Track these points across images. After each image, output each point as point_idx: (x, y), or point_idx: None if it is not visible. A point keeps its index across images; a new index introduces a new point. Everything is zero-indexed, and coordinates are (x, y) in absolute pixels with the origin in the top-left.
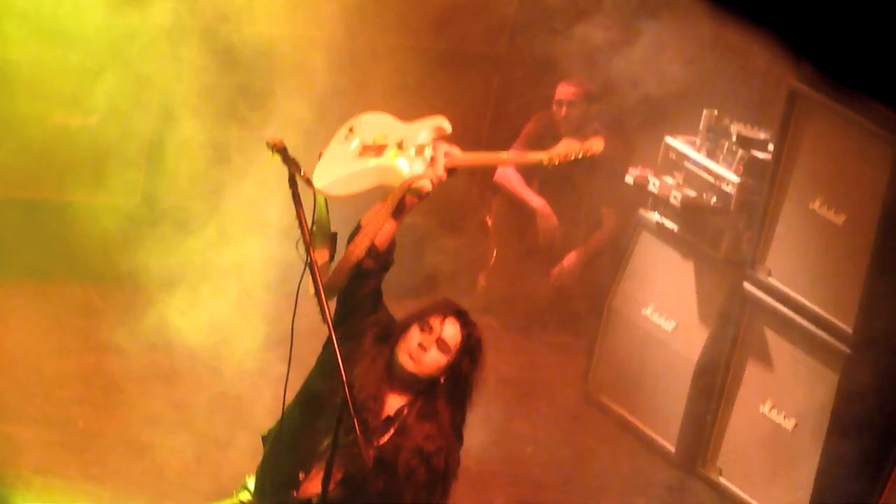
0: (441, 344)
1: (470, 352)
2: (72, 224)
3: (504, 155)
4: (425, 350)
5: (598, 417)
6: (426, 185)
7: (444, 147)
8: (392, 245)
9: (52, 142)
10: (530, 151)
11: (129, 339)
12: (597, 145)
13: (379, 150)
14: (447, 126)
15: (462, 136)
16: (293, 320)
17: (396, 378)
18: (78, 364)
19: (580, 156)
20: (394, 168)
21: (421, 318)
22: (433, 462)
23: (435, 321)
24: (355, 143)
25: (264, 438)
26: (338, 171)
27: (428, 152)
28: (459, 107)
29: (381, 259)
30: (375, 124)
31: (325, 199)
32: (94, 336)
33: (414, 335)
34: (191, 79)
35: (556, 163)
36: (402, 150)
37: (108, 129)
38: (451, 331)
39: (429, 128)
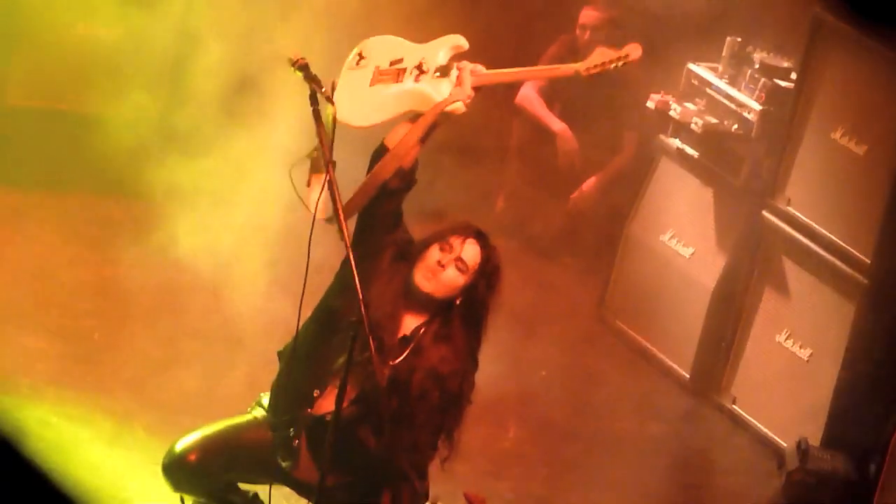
0: (460, 263)
1: (487, 275)
2: (91, 136)
3: (533, 70)
4: (443, 268)
5: (613, 342)
6: (460, 107)
7: (469, 65)
8: (416, 164)
9: (73, 53)
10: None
11: (147, 252)
12: (634, 52)
13: (397, 74)
14: (464, 43)
15: (484, 59)
16: (310, 237)
17: (413, 298)
18: (94, 276)
19: (619, 64)
20: (420, 93)
21: (441, 237)
22: (448, 385)
23: (455, 241)
24: (369, 69)
25: (280, 354)
26: (357, 101)
27: (454, 73)
28: (482, 31)
29: (406, 178)
30: (387, 47)
31: (334, 121)
32: (112, 248)
33: (433, 254)
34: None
35: (593, 73)
36: (423, 72)
37: (130, 43)
38: (470, 251)
39: (446, 47)
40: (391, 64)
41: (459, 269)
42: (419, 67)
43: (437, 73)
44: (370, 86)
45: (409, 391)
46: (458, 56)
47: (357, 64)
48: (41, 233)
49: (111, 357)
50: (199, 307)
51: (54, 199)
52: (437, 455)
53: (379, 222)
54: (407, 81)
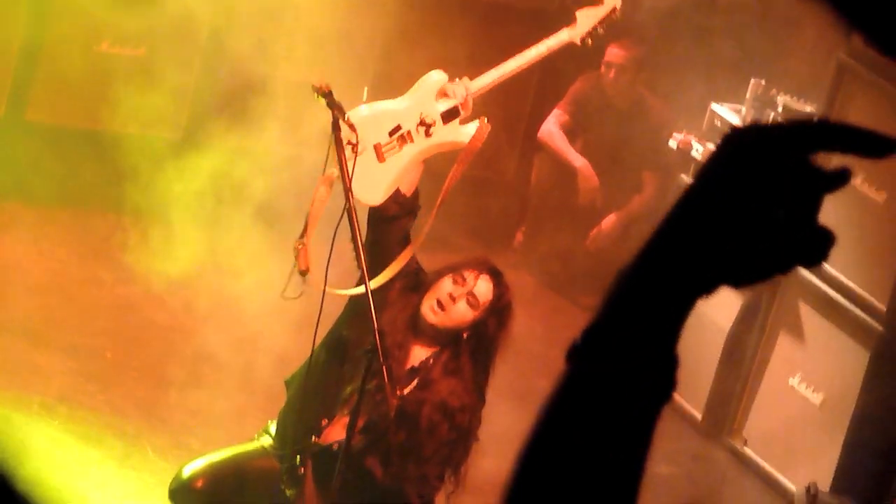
0: (471, 298)
1: (498, 313)
2: (110, 154)
3: (523, 57)
4: (454, 301)
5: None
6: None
7: (461, 89)
8: (417, 191)
9: (96, 71)
10: (575, 111)
11: (162, 272)
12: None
13: (402, 140)
14: (444, 76)
15: (507, 93)
16: (327, 266)
17: (420, 329)
18: (109, 294)
19: (609, 20)
20: (445, 144)
21: (455, 270)
22: (457, 419)
23: (469, 275)
24: (369, 150)
25: (287, 383)
26: (375, 181)
27: (454, 103)
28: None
29: (406, 205)
30: (373, 121)
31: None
32: (127, 267)
33: (445, 285)
34: (237, 18)
35: (588, 38)
36: (430, 125)
37: (153, 61)
38: (483, 287)
39: (434, 90)
40: (390, 135)
41: (470, 304)
42: (423, 123)
43: (442, 122)
44: (380, 162)
45: (417, 424)
46: (444, 88)
47: (353, 151)
48: (56, 249)
49: (123, 376)
50: (213, 329)
51: (70, 217)
52: (444, 488)
53: (388, 251)
54: (419, 141)
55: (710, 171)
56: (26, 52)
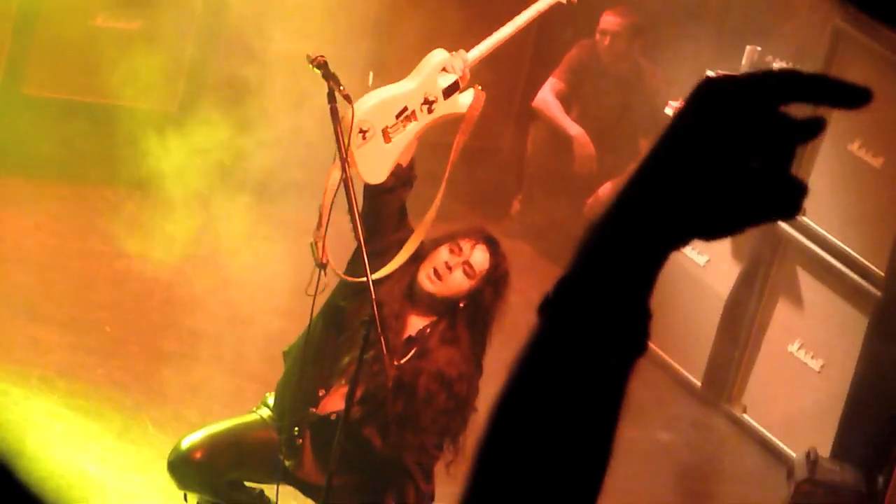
0: (467, 267)
1: (495, 282)
2: (106, 128)
3: (511, 24)
4: (451, 271)
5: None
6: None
7: (459, 62)
8: (413, 162)
9: (91, 44)
10: (570, 79)
11: (160, 245)
12: None
13: (407, 119)
14: (444, 55)
15: (503, 62)
16: (324, 237)
17: (416, 298)
18: (107, 268)
19: None
20: (446, 116)
21: (452, 239)
22: (455, 388)
23: (465, 244)
24: (377, 136)
25: (285, 354)
26: (380, 161)
27: (454, 78)
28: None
29: (402, 175)
30: (383, 108)
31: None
32: (125, 241)
33: (442, 254)
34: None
35: (574, 0)
36: (433, 102)
37: (148, 35)
38: (479, 256)
39: (438, 69)
40: (397, 117)
41: (466, 274)
42: (427, 101)
43: (444, 97)
44: (386, 143)
45: (415, 393)
46: (446, 61)
47: (364, 139)
48: (54, 224)
49: (122, 350)
50: (212, 302)
51: (68, 190)
52: (443, 458)
53: (383, 222)
54: (422, 118)
55: (682, 121)
56: (22, 26)
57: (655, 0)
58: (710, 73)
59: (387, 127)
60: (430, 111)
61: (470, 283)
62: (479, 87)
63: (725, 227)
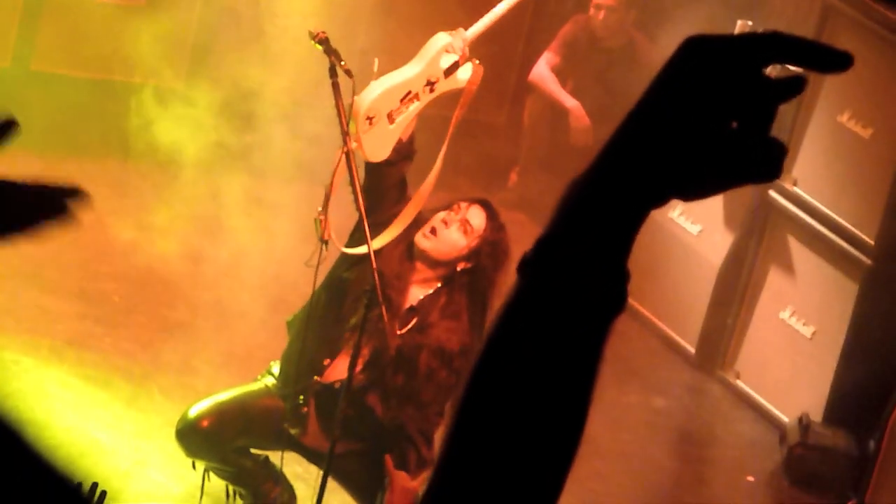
0: (465, 224)
1: (492, 244)
2: (113, 103)
3: (504, 2)
4: (447, 226)
5: (621, 316)
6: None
7: (459, 41)
8: (413, 136)
9: (97, 22)
10: (565, 52)
11: (166, 218)
12: None
13: (411, 100)
14: (446, 38)
15: (500, 37)
16: (326, 207)
17: (415, 258)
18: (115, 240)
19: None
20: (445, 93)
21: (449, 205)
22: (455, 364)
23: (462, 204)
24: (383, 121)
25: (289, 324)
26: (385, 140)
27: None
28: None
29: (402, 150)
30: (388, 95)
31: (352, 95)
32: (132, 214)
33: (439, 214)
34: None
35: None
36: (434, 82)
37: (155, 13)
38: (475, 214)
39: (439, 55)
40: (401, 101)
41: (464, 231)
42: (429, 83)
43: (445, 76)
44: (390, 125)
45: (416, 369)
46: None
47: (370, 125)
48: None
49: (130, 320)
50: (217, 273)
51: (76, 165)
52: (443, 424)
53: (384, 194)
54: (424, 97)
55: (665, 79)
56: (30, 5)
57: None
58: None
59: (391, 111)
60: (431, 91)
61: (466, 240)
62: (477, 62)
63: (705, 187)
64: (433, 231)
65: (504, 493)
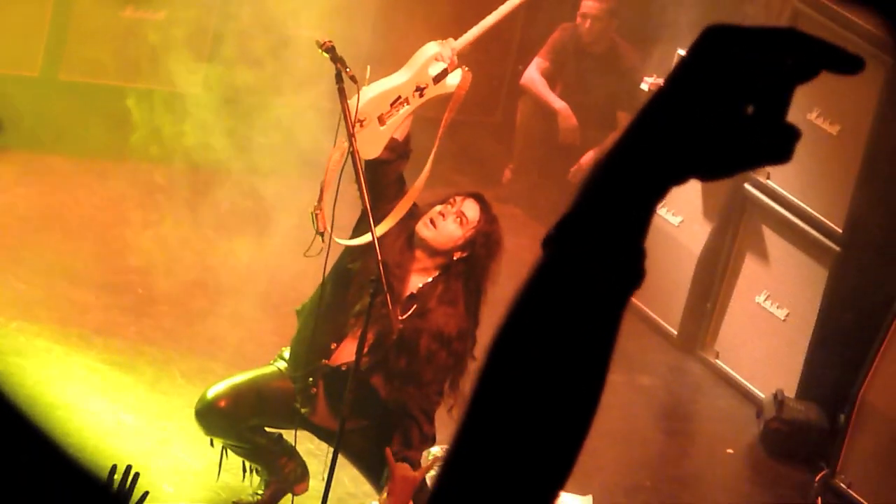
0: (460, 216)
1: (486, 235)
2: (135, 109)
3: (496, 13)
4: (444, 218)
5: None
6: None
7: (448, 50)
8: (409, 136)
9: (122, 33)
10: (554, 58)
11: (186, 215)
12: None
13: (401, 105)
14: (436, 48)
15: (495, 44)
16: (334, 205)
17: (415, 247)
18: (138, 236)
19: None
20: (435, 98)
21: (445, 198)
22: (454, 346)
23: (458, 198)
24: (374, 123)
25: (298, 313)
26: (377, 141)
27: (443, 66)
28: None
29: (398, 149)
30: (378, 99)
31: (357, 99)
32: (154, 211)
33: (437, 207)
34: None
35: None
36: (424, 88)
37: (173, 24)
38: (470, 207)
39: (428, 62)
40: (391, 105)
41: (459, 223)
42: (418, 89)
43: (440, 80)
44: (381, 126)
45: (417, 353)
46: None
47: (361, 126)
48: (90, 197)
49: (153, 309)
50: (233, 265)
51: (101, 167)
52: (444, 403)
53: (383, 190)
54: (414, 102)
55: (687, 65)
56: (58, 18)
57: None
58: (681, 53)
59: (382, 114)
60: (420, 95)
61: (462, 231)
62: (466, 69)
63: (722, 168)
64: (432, 222)
65: (519, 466)
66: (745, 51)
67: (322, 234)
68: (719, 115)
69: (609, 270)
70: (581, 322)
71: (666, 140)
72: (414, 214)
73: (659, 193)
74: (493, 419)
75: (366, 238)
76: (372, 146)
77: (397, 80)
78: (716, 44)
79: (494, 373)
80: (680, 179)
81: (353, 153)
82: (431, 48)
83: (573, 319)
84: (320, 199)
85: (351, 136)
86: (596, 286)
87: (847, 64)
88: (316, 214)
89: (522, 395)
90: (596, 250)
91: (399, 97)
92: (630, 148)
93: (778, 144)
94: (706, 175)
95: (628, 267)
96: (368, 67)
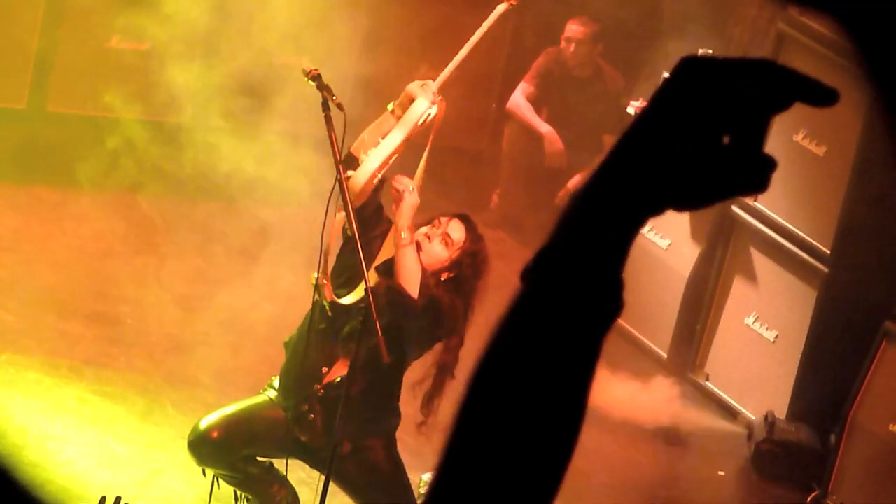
0: (446, 237)
1: (472, 255)
2: (123, 140)
3: (468, 45)
4: (430, 240)
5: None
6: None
7: (430, 94)
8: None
9: (107, 64)
10: (539, 82)
11: (174, 244)
12: None
13: (393, 155)
14: (426, 103)
15: (481, 69)
16: (322, 232)
17: None
18: (127, 266)
19: None
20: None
21: (430, 220)
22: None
23: (442, 219)
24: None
25: (286, 344)
26: (364, 185)
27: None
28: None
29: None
30: (379, 167)
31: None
32: (144, 241)
33: (422, 229)
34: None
35: (513, 2)
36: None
37: (158, 55)
38: (456, 228)
39: (419, 118)
40: (384, 161)
41: (445, 244)
42: (408, 139)
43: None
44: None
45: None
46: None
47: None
48: (78, 228)
49: (143, 340)
50: (222, 296)
51: (89, 198)
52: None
53: (365, 220)
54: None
55: (661, 97)
56: (44, 50)
57: (615, 9)
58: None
59: (376, 173)
60: (407, 141)
61: (449, 253)
62: (440, 98)
63: (699, 199)
64: (418, 246)
65: (502, 491)
66: (721, 82)
67: (330, 305)
68: (696, 145)
69: (588, 301)
70: (560, 353)
71: (643, 171)
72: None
73: (637, 224)
74: (474, 448)
75: (358, 293)
76: (363, 198)
77: (394, 142)
78: (693, 75)
79: (476, 402)
80: (657, 210)
81: (341, 181)
82: (422, 105)
83: (552, 350)
84: (325, 270)
85: (338, 163)
86: (575, 317)
87: (822, 97)
88: (321, 285)
89: (503, 424)
90: (574, 281)
91: (393, 153)
92: (607, 179)
93: (754, 174)
94: (683, 205)
95: (607, 298)
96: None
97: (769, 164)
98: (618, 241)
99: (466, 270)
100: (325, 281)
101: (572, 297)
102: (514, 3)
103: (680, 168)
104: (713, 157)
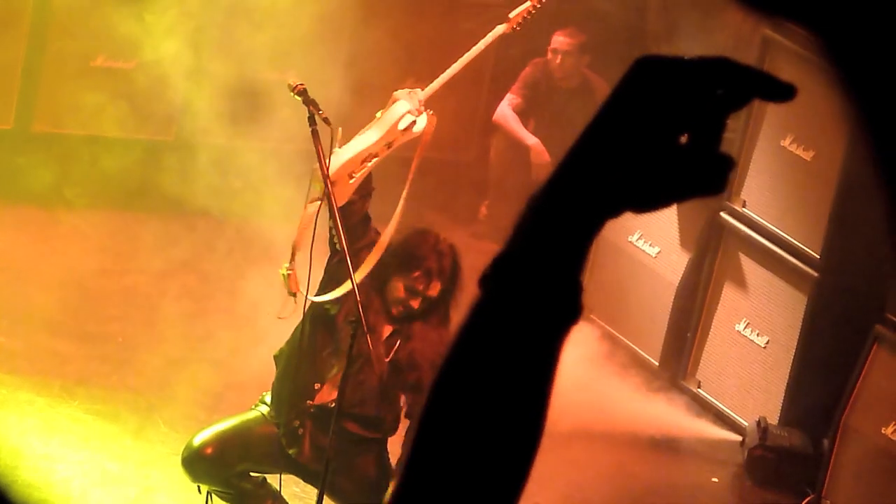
0: (423, 293)
1: (452, 282)
2: (110, 158)
3: (462, 60)
4: (408, 302)
5: (590, 335)
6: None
7: (416, 102)
8: (370, 176)
9: (93, 83)
10: (526, 94)
11: (164, 262)
12: None
13: (371, 157)
14: (406, 106)
15: (467, 81)
16: (311, 245)
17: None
18: (117, 285)
19: (534, 10)
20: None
21: (406, 272)
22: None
23: (420, 285)
24: (344, 179)
25: (276, 358)
26: (346, 193)
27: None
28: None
29: (360, 189)
30: (350, 162)
31: (331, 140)
32: (132, 259)
33: (397, 288)
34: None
35: (518, 24)
36: (394, 142)
37: (145, 73)
38: (434, 288)
39: (398, 120)
40: (362, 163)
41: (423, 299)
42: (389, 144)
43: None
44: (350, 180)
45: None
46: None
47: (333, 186)
48: (68, 247)
49: (134, 358)
50: (212, 311)
51: (79, 217)
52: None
53: (351, 231)
54: (382, 154)
55: (616, 98)
56: (29, 70)
57: (600, 21)
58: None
59: (352, 171)
60: (389, 147)
61: (429, 295)
62: (431, 112)
63: (656, 200)
64: (401, 306)
65: (463, 498)
66: (676, 81)
67: (294, 295)
68: (652, 146)
69: (546, 307)
70: (519, 359)
71: (598, 173)
72: (378, 274)
73: (594, 227)
74: (435, 454)
75: (344, 289)
76: (340, 198)
77: (368, 139)
78: (646, 75)
79: (436, 409)
80: (615, 212)
81: (328, 194)
82: (402, 106)
83: (511, 356)
84: (292, 259)
85: (325, 177)
86: (533, 323)
87: (779, 92)
88: (288, 275)
89: (463, 431)
90: (532, 287)
91: (370, 154)
92: (562, 183)
93: (712, 174)
94: (641, 207)
95: (565, 302)
96: (340, 129)
97: (727, 164)
98: (575, 244)
99: (447, 295)
100: (291, 271)
101: (530, 302)
102: (516, 28)
103: (636, 169)
104: (670, 157)
